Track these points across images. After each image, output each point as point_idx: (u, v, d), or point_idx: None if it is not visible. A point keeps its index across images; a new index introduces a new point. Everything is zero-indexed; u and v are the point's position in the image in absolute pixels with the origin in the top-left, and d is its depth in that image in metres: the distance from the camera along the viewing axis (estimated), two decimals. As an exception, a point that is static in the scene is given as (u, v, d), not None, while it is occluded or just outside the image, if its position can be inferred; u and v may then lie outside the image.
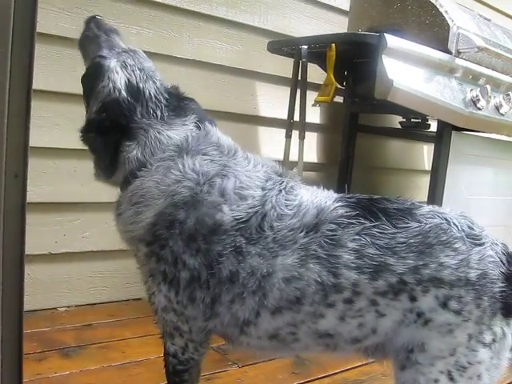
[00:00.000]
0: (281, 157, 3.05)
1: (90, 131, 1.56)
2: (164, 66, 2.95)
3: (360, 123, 3.43)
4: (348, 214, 1.43)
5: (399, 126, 3.50)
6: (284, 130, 3.07)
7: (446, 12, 2.76)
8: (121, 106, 1.52)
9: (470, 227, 1.46)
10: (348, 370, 2.33)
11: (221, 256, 1.42)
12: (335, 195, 1.52)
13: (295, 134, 3.02)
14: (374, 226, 1.41)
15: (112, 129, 1.51)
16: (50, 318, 2.64)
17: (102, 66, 1.57)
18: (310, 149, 3.49)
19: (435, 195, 2.82)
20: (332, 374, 2.30)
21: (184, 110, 1.61)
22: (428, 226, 1.42)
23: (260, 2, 3.28)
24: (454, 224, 1.45)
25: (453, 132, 2.83)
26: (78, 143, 2.33)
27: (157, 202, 1.47)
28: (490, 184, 3.17)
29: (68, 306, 2.80)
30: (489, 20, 3.29)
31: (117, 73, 1.56)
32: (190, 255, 1.43)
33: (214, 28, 3.11)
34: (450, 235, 1.42)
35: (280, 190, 1.49)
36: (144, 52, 2.81)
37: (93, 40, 1.69)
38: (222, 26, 3.13)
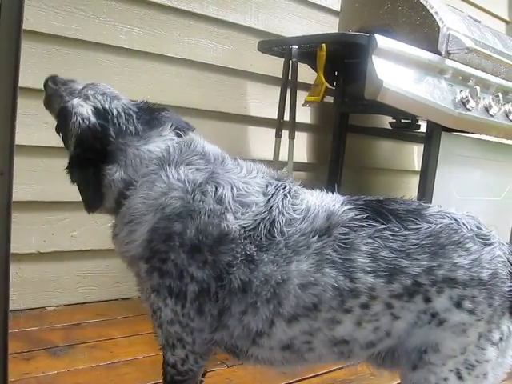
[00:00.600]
0: (271, 156, 3.05)
1: (71, 167, 1.58)
2: (154, 65, 2.95)
3: (350, 123, 3.43)
4: (358, 216, 1.43)
5: (389, 127, 3.51)
6: (274, 130, 3.07)
7: (436, 13, 2.77)
8: (92, 131, 1.52)
9: (478, 227, 1.47)
10: (336, 369, 2.33)
11: (231, 266, 1.40)
12: (341, 197, 1.51)
13: (285, 133, 3.02)
14: (385, 229, 1.41)
15: (88, 159, 1.52)
16: (39, 318, 2.63)
17: (66, 107, 1.57)
18: (300, 149, 3.49)
19: (425, 196, 2.82)
20: (321, 374, 2.30)
21: (158, 120, 1.61)
22: (438, 226, 1.43)
23: (251, 2, 3.28)
24: (464, 224, 1.45)
25: (442, 133, 2.84)
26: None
27: (146, 217, 1.46)
28: (479, 185, 3.18)
29: (56, 306, 2.79)
30: (479, 21, 3.30)
31: (81, 106, 1.56)
32: (197, 267, 1.42)
33: (205, 27, 3.10)
34: (460, 235, 1.43)
35: (285, 195, 1.49)
36: (134, 51, 2.83)
37: (54, 95, 1.71)
38: (212, 25, 3.13)
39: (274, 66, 3.16)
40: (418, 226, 1.42)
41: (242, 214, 1.43)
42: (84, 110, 1.55)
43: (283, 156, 3.01)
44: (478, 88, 2.80)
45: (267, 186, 1.50)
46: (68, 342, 2.39)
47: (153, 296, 1.49)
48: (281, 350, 1.47)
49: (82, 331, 2.53)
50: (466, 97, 2.76)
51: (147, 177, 1.49)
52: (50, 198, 2.71)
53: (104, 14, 2.73)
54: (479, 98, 2.82)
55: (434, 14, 2.76)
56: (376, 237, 1.40)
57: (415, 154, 4.24)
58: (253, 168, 1.55)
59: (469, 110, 2.78)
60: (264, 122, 3.33)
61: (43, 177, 2.66)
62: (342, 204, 1.47)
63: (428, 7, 2.78)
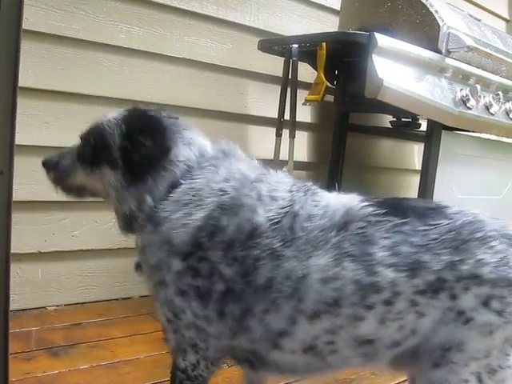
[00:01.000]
0: (271, 156, 3.05)
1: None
2: (154, 65, 2.95)
3: (350, 122, 3.43)
4: (376, 212, 1.42)
5: (390, 126, 3.51)
6: (274, 129, 3.07)
7: (436, 12, 2.77)
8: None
9: (502, 227, 1.45)
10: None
11: (258, 260, 1.39)
12: (359, 196, 1.51)
13: (285, 132, 3.02)
14: (404, 224, 1.40)
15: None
16: (39, 317, 2.63)
17: (100, 129, 1.57)
18: (301, 148, 3.49)
19: (425, 195, 2.82)
20: (321, 373, 2.30)
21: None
22: (459, 222, 1.40)
23: (251, 1, 3.28)
24: (487, 223, 1.43)
25: (443, 131, 2.84)
26: (66, 141, 2.32)
27: (207, 201, 1.44)
28: (480, 183, 3.18)
29: (57, 305, 2.79)
30: (479, 20, 3.30)
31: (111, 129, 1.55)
32: (227, 265, 1.40)
33: (205, 26, 3.10)
34: (484, 233, 1.40)
35: (305, 192, 1.50)
36: (134, 50, 2.83)
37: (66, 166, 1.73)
38: (212, 24, 3.13)
39: (275, 65, 3.16)
40: (438, 222, 1.40)
41: (270, 208, 1.43)
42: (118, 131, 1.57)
43: (283, 155, 3.01)
44: (478, 86, 2.79)
45: (293, 185, 1.52)
46: (69, 341, 2.39)
47: (178, 299, 1.45)
48: (303, 352, 1.44)
49: (83, 331, 2.53)
50: (467, 95, 2.76)
51: (213, 161, 1.51)
52: (51, 198, 2.69)
53: (104, 14, 2.73)
54: (479, 96, 2.82)
55: (434, 13, 2.76)
56: (395, 231, 1.39)
57: (416, 152, 4.24)
58: (280, 172, 1.59)
59: (469, 108, 2.78)
60: (264, 121, 3.33)
61: (44, 176, 2.64)
62: (360, 201, 1.46)
63: (428, 6, 2.78)
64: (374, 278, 1.36)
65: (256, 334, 1.44)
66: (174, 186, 1.49)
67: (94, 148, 1.55)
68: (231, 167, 1.50)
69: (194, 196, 1.46)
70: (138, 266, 1.61)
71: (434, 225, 1.39)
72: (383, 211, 1.42)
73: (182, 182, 1.48)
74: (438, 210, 1.44)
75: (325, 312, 1.39)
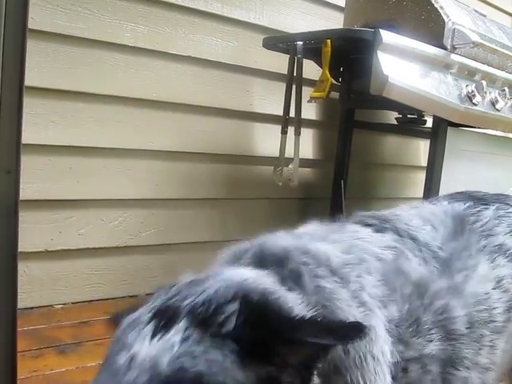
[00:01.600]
0: (276, 153, 3.05)
1: None
2: (159, 63, 2.95)
3: (356, 119, 3.43)
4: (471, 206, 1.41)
5: (395, 122, 3.50)
6: (280, 126, 3.07)
7: (442, 7, 2.76)
8: None
9: None
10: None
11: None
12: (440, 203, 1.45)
13: (291, 130, 3.02)
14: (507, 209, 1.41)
15: None
16: (46, 315, 2.64)
17: None
18: (306, 145, 3.49)
19: (431, 191, 2.82)
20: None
21: None
22: None
23: (255, -2, 3.28)
24: None
25: (448, 128, 2.83)
26: (73, 140, 2.34)
27: None
28: (486, 179, 3.16)
29: (64, 303, 2.80)
30: (484, 15, 3.29)
31: None
32: None
33: (210, 24, 3.10)
34: None
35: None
36: (139, 49, 2.84)
37: None
38: (217, 22, 3.13)
39: (280, 62, 3.16)
40: None
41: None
42: None
43: (289, 152, 3.00)
44: (484, 82, 2.78)
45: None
46: (76, 339, 2.40)
47: None
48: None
49: (90, 329, 2.54)
50: (472, 91, 2.75)
51: None
52: (57, 197, 2.73)
53: (109, 13, 2.73)
54: (485, 92, 2.81)
55: (439, 9, 2.75)
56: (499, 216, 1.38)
57: (421, 149, 4.23)
58: None
59: (475, 104, 2.77)
60: (270, 118, 3.33)
61: (50, 175, 2.67)
62: (447, 202, 1.44)
63: (433, 2, 2.77)
64: None
65: None
66: None
67: None
68: None
69: None
70: None
71: None
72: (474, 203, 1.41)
73: None
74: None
75: None
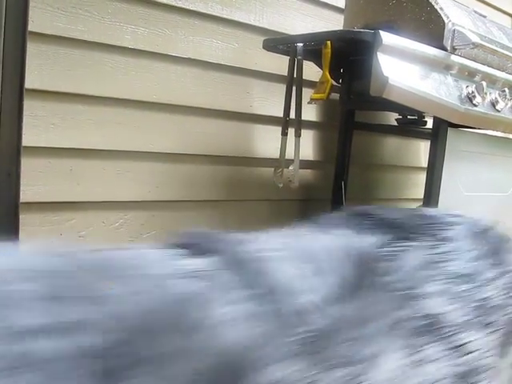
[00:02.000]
0: (277, 155, 3.05)
1: None
2: (159, 65, 2.95)
3: (356, 120, 3.43)
4: None
5: (395, 123, 3.50)
6: (280, 128, 3.07)
7: (442, 8, 2.76)
8: None
9: None
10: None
11: None
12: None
13: (291, 131, 3.02)
14: None
15: None
16: (48, 318, 2.63)
17: None
18: (306, 146, 3.49)
19: (431, 192, 2.82)
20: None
21: None
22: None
23: (255, 0, 3.28)
24: None
25: (449, 129, 2.83)
26: (73, 142, 2.34)
27: None
28: (486, 180, 3.17)
29: (65, 306, 2.80)
30: (484, 16, 3.29)
31: None
32: None
33: (210, 26, 3.10)
34: None
35: None
36: (140, 51, 2.84)
37: None
38: (217, 24, 3.13)
39: (280, 64, 3.16)
40: None
41: None
42: None
43: (289, 154, 3.01)
44: (484, 83, 2.78)
45: None
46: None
47: None
48: None
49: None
50: (473, 92, 2.75)
51: None
52: (58, 199, 2.72)
53: (109, 15, 2.74)
54: (485, 93, 2.81)
55: (439, 10, 2.75)
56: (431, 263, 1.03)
57: (422, 150, 4.23)
58: None
59: (475, 105, 2.77)
60: (270, 120, 3.33)
61: (50, 177, 2.67)
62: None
63: (433, 3, 2.77)
64: None
65: None
66: None
67: None
68: None
69: None
70: None
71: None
72: None
73: None
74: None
75: None
